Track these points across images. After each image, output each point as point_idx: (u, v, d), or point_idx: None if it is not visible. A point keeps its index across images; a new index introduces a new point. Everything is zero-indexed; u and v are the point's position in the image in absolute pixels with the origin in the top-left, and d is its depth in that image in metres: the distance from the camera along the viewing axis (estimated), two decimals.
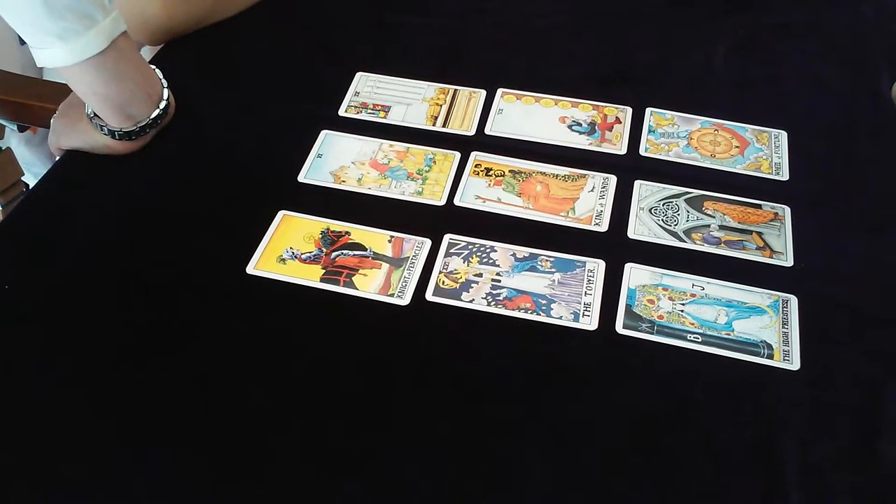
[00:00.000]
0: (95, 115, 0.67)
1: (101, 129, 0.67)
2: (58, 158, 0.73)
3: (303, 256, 0.63)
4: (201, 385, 0.55)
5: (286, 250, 0.63)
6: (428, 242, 0.64)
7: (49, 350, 0.57)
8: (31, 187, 0.91)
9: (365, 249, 0.64)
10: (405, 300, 0.60)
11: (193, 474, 0.51)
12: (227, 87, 0.79)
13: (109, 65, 0.63)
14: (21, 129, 1.01)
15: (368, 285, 0.61)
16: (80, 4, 0.59)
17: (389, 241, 0.64)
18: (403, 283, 0.61)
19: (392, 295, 0.60)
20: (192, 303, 0.60)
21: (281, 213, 0.66)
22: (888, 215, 0.67)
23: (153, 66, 0.70)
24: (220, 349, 0.57)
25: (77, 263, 0.63)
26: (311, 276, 0.62)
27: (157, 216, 0.67)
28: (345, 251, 0.63)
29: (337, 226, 0.65)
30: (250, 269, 0.62)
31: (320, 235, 0.65)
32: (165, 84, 0.70)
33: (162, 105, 0.69)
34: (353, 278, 0.61)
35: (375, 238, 0.64)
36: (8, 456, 0.52)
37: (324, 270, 0.62)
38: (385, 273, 0.62)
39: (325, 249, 0.63)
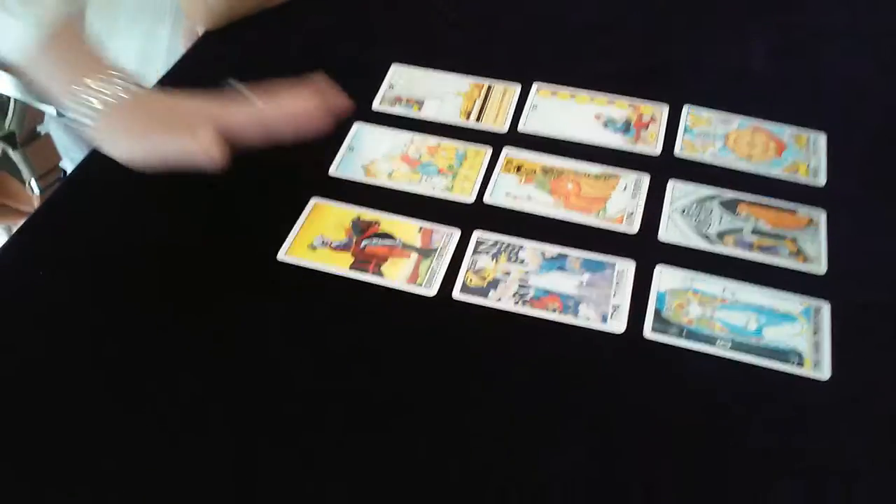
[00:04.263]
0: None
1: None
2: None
3: (333, 244, 0.63)
4: (229, 371, 0.56)
5: (317, 238, 0.64)
6: (457, 233, 0.64)
7: (84, 335, 0.58)
8: (68, 173, 0.93)
9: (394, 239, 0.64)
10: (432, 291, 0.60)
11: (222, 461, 0.51)
12: (261, 77, 0.79)
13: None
14: (60, 115, 1.03)
15: (396, 274, 0.61)
16: None
17: (419, 232, 0.64)
18: (431, 274, 0.61)
19: (420, 284, 0.60)
20: (223, 287, 0.61)
21: (313, 201, 0.66)
22: None
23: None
24: (251, 333, 0.58)
25: (112, 249, 0.64)
26: (341, 264, 0.62)
27: (191, 203, 0.67)
28: (374, 240, 0.64)
29: (367, 215, 0.66)
30: (281, 256, 0.63)
31: (351, 224, 0.65)
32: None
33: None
34: (382, 267, 0.62)
35: (405, 228, 0.65)
36: (33, 449, 0.52)
37: (353, 258, 0.62)
38: (413, 263, 0.62)
39: (355, 238, 0.64)
